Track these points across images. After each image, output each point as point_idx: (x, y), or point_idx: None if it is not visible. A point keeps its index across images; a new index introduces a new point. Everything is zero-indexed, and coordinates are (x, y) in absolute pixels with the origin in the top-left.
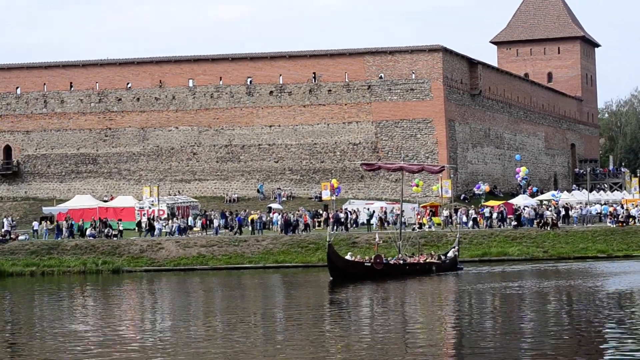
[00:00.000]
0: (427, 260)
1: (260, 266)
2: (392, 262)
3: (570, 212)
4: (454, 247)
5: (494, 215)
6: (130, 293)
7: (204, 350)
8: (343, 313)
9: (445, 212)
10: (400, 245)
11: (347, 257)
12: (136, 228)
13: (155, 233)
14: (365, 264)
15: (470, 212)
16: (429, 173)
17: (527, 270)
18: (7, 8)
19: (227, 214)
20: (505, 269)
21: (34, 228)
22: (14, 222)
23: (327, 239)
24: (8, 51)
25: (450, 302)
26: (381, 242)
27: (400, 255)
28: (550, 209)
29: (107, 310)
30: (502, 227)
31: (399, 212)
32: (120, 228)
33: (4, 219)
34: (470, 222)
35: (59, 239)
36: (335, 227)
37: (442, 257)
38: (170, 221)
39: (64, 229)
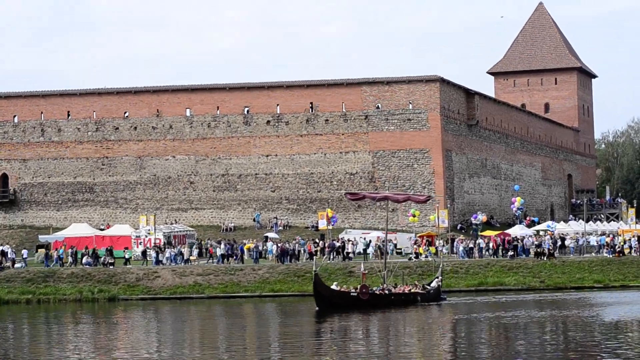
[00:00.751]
0: (412, 291)
1: (257, 295)
2: (377, 292)
3: (566, 242)
4: (437, 278)
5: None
6: (126, 322)
7: None
8: (335, 344)
9: (440, 242)
10: (385, 275)
11: (333, 286)
12: (140, 256)
13: (160, 261)
14: (351, 294)
15: (466, 242)
16: (414, 203)
17: (519, 300)
18: (4, 37)
19: (231, 242)
20: (492, 299)
21: (24, 256)
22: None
23: (314, 269)
24: (5, 80)
25: (444, 333)
26: (367, 272)
27: (385, 285)
28: (546, 238)
29: (105, 338)
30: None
31: (395, 241)
32: (126, 256)
33: (4, 247)
34: (460, 249)
35: (50, 266)
36: (332, 256)
37: (427, 287)
38: (171, 249)
39: (69, 257)
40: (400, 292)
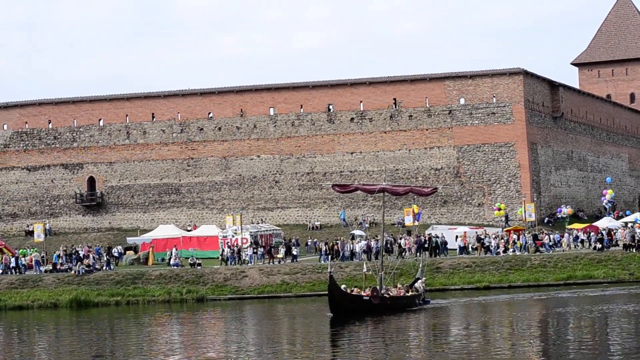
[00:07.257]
0: (411, 293)
1: None
2: (385, 295)
3: None
4: (420, 279)
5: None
6: (217, 321)
7: None
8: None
9: (527, 236)
10: (382, 276)
11: (342, 288)
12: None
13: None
14: (364, 298)
15: (553, 236)
16: (417, 195)
17: (593, 296)
18: (89, 41)
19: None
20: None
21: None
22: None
23: (329, 270)
24: (90, 84)
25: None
26: (370, 272)
27: (384, 287)
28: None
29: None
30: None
31: (483, 236)
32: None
33: (92, 248)
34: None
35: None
36: (419, 253)
37: (418, 289)
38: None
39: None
40: (401, 295)
